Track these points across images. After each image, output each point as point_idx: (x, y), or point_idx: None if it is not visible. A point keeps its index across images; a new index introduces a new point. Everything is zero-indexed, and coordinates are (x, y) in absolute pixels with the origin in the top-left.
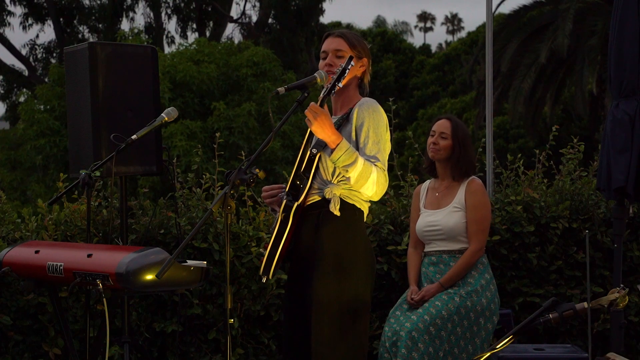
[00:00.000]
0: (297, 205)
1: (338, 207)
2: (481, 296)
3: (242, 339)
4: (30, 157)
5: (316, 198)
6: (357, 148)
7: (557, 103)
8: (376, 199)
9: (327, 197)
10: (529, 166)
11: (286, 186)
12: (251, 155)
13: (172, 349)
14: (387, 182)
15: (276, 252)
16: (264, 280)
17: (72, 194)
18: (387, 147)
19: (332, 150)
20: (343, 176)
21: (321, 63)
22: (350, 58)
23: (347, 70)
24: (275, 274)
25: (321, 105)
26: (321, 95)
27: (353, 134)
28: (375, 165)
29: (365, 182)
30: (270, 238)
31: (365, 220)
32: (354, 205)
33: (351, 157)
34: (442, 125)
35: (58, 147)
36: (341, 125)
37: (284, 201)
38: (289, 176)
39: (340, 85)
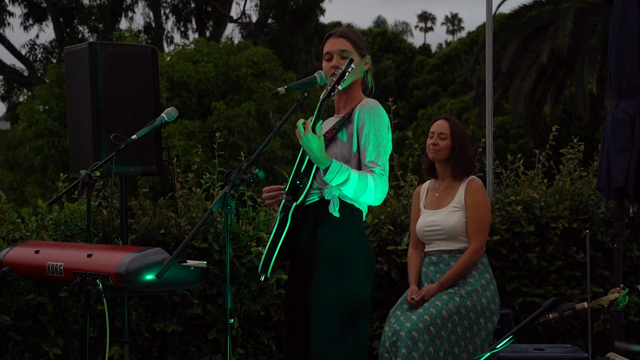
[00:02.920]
0: (296, 205)
1: (337, 208)
2: (481, 296)
3: (242, 339)
4: (29, 158)
5: (315, 198)
6: (358, 150)
7: (557, 103)
8: (377, 204)
9: (326, 198)
10: (529, 166)
11: (286, 186)
12: (251, 155)
13: (172, 349)
14: (387, 185)
15: (274, 251)
16: (262, 278)
17: (72, 194)
18: (388, 149)
19: (324, 172)
20: None
21: (325, 65)
22: (351, 61)
23: (347, 73)
24: (273, 273)
25: (321, 106)
26: (321, 97)
27: (354, 135)
28: (373, 171)
29: (362, 194)
30: (269, 237)
31: (365, 220)
32: (352, 205)
33: (342, 175)
34: (440, 126)
35: (56, 148)
36: (343, 125)
37: (283, 201)
38: (289, 176)
39: (340, 88)
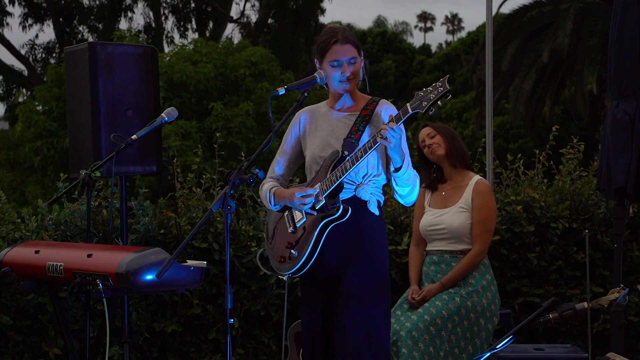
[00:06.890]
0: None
1: (376, 206)
2: (482, 297)
3: (242, 339)
4: (29, 158)
5: (348, 195)
6: (386, 153)
7: (557, 103)
8: (408, 205)
9: (364, 198)
10: (529, 166)
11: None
12: (250, 155)
13: (172, 349)
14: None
15: (312, 258)
16: (285, 278)
17: (72, 194)
18: None
19: (399, 167)
20: (373, 176)
21: (330, 69)
22: (448, 89)
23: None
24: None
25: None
26: (409, 109)
27: None
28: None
29: (412, 194)
30: (308, 244)
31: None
32: (378, 201)
33: (411, 171)
34: (425, 131)
35: (55, 149)
36: (365, 126)
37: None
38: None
39: (432, 111)
